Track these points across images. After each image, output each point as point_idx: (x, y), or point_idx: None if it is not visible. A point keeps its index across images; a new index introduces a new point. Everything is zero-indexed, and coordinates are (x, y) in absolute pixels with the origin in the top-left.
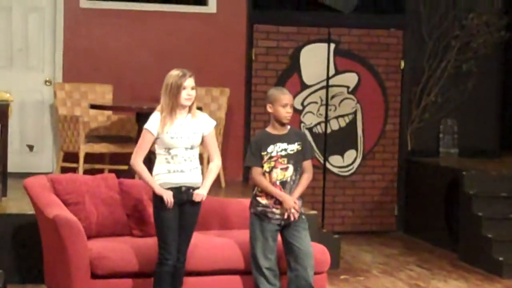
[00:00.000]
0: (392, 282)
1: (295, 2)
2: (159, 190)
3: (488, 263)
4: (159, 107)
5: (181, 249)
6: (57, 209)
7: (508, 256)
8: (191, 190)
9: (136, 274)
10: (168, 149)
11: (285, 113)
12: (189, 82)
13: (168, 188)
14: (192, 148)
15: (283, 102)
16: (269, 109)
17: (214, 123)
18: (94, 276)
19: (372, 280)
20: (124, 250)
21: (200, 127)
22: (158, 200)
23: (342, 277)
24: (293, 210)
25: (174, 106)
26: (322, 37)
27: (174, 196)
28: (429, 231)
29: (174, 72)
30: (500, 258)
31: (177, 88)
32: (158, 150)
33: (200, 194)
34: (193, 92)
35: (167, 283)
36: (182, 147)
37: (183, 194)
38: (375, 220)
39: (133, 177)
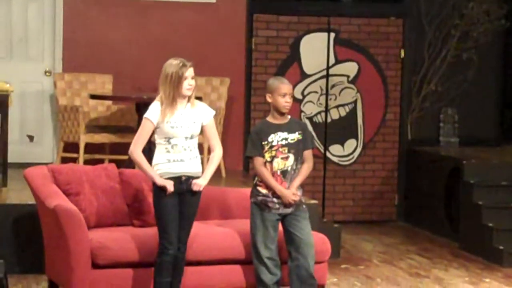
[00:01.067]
0: (392, 271)
1: None
2: (160, 181)
3: (488, 252)
4: (158, 97)
5: (182, 239)
6: (57, 199)
7: (509, 245)
8: (191, 180)
9: (136, 264)
10: (168, 138)
11: (284, 102)
12: (190, 71)
13: (168, 178)
14: (191, 137)
15: (282, 91)
16: (269, 98)
17: (213, 112)
18: (95, 266)
19: (372, 269)
20: (125, 240)
21: (199, 117)
22: (158, 190)
23: (342, 266)
24: (293, 202)
25: (175, 96)
26: (322, 27)
27: (174, 186)
28: (429, 220)
29: (174, 62)
30: (501, 247)
31: (178, 78)
32: (158, 140)
33: (199, 183)
34: (193, 82)
35: (168, 273)
36: (182, 137)
37: (183, 183)
38: (375, 210)
39: (133, 167)
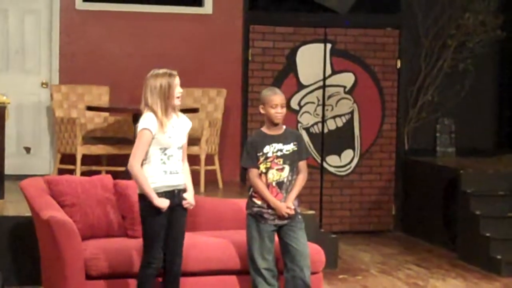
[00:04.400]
0: (390, 281)
1: (291, 2)
2: (157, 202)
3: (486, 262)
4: (147, 109)
5: (177, 251)
6: (52, 211)
7: (506, 254)
8: (181, 193)
9: (130, 275)
10: (164, 149)
11: (275, 113)
12: (178, 80)
13: (163, 192)
14: (180, 148)
15: (272, 103)
16: (262, 110)
17: (191, 124)
18: (89, 277)
19: (370, 279)
20: (119, 251)
21: (184, 127)
22: (150, 207)
23: (340, 276)
24: (286, 216)
25: (167, 106)
26: (318, 37)
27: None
28: (427, 230)
29: (160, 72)
30: (498, 257)
31: (169, 88)
32: (152, 151)
33: (191, 202)
34: (181, 90)
35: (152, 286)
36: (175, 147)
37: (175, 197)
38: (372, 220)
39: (129, 178)
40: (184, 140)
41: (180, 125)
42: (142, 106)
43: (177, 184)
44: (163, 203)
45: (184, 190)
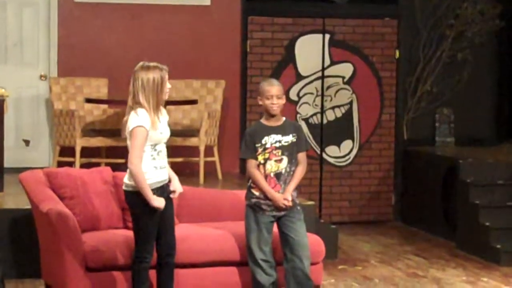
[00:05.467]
0: (390, 271)
1: None
2: (155, 203)
3: (486, 251)
4: (138, 105)
5: (172, 244)
6: (51, 203)
7: (506, 243)
8: (168, 187)
9: (129, 267)
10: (154, 145)
11: (271, 104)
12: (167, 75)
13: (155, 188)
14: (165, 142)
15: (268, 94)
16: (259, 101)
17: (168, 117)
18: (88, 269)
19: (370, 269)
20: (118, 243)
21: (166, 121)
22: (144, 205)
23: (340, 267)
24: (283, 207)
25: (158, 101)
26: (316, 28)
27: (160, 196)
28: (426, 220)
29: (150, 64)
30: (498, 246)
31: (162, 83)
32: (144, 148)
33: (181, 190)
34: (170, 86)
35: (148, 278)
36: (163, 143)
37: (165, 192)
38: (372, 210)
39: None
40: (168, 135)
41: (164, 120)
42: (130, 100)
43: (166, 179)
44: (161, 203)
45: (168, 184)
